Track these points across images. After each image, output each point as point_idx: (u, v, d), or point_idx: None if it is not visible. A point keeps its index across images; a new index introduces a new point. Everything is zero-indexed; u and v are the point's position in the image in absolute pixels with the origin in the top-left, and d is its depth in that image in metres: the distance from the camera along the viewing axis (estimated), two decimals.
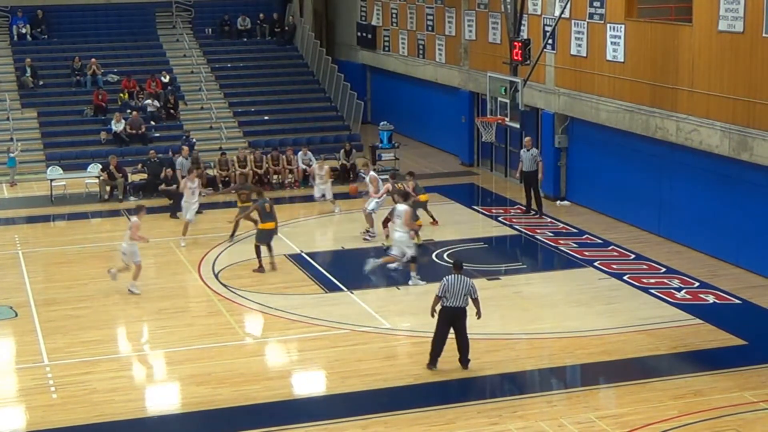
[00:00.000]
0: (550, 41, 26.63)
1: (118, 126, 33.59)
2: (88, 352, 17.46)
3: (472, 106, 32.57)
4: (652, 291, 20.10)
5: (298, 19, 42.33)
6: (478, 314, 16.22)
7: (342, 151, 31.39)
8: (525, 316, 19.08)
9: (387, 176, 25.44)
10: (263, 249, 21.78)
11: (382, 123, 33.20)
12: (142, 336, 18.78)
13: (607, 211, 26.09)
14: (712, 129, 21.37)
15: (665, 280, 20.84)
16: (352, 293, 20.45)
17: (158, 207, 27.32)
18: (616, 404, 15.19)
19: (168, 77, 37.01)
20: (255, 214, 22.48)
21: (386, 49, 38.54)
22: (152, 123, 34.75)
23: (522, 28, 26.98)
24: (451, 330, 16.17)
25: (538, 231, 24.90)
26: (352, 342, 17.77)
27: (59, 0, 40.72)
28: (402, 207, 21.05)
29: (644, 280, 20.80)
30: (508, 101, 26.02)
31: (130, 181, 29.65)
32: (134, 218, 20.77)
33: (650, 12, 24.64)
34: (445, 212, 26.31)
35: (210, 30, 41.71)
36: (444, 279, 16.13)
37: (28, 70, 36.23)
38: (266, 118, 36.59)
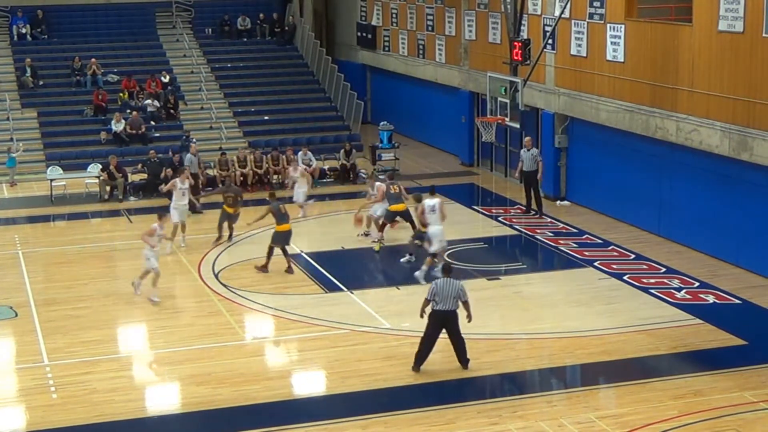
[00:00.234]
0: (550, 41, 26.63)
1: (118, 126, 33.59)
2: (88, 352, 17.47)
3: (472, 106, 32.57)
4: (652, 291, 20.10)
5: (298, 19, 42.33)
6: (469, 317, 16.19)
7: (342, 151, 31.40)
8: (525, 316, 19.08)
9: (384, 176, 25.38)
10: (276, 250, 21.68)
11: (382, 123, 33.21)
12: (142, 336, 18.77)
13: (607, 211, 26.10)
14: (712, 129, 21.37)
15: (665, 280, 20.85)
16: (352, 293, 20.45)
17: (158, 207, 27.24)
18: (616, 404, 15.19)
19: (168, 77, 37.01)
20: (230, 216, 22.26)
21: (386, 49, 38.54)
22: (152, 123, 34.74)
23: (522, 28, 26.98)
24: (445, 332, 16.16)
25: (538, 231, 24.90)
26: (352, 342, 17.77)
27: (59, 0, 40.70)
28: (435, 200, 21.14)
29: (644, 280, 20.80)
30: (508, 101, 26.02)
31: (130, 181, 29.65)
32: (154, 224, 20.34)
33: (650, 12, 24.65)
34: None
35: (210, 30, 41.70)
36: (433, 282, 16.16)
37: (28, 70, 36.23)
38: (266, 118, 36.59)
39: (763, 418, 14.43)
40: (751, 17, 20.05)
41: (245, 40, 41.46)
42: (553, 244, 23.81)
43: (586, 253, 22.85)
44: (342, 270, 22.05)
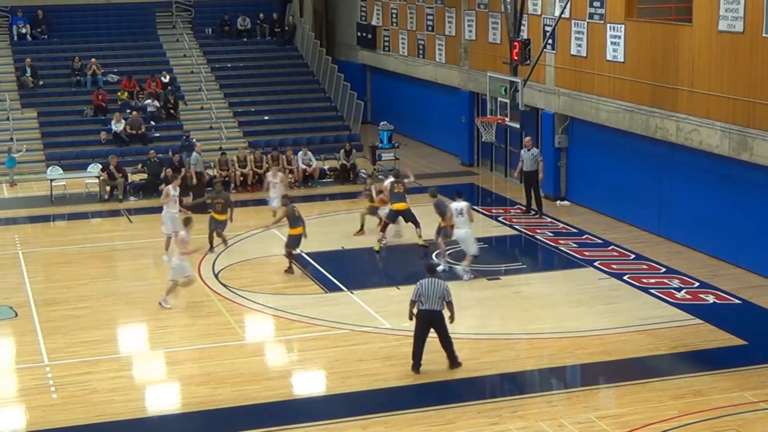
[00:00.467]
0: (550, 41, 26.63)
1: (118, 126, 33.59)
2: (88, 352, 17.46)
3: (472, 106, 32.57)
4: (652, 291, 20.10)
5: (298, 19, 42.33)
6: (451, 318, 16.17)
7: (342, 151, 31.40)
8: (525, 316, 19.08)
9: (390, 176, 25.21)
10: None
11: (382, 123, 33.20)
12: (142, 336, 18.77)
13: (607, 211, 26.09)
14: (712, 129, 21.36)
15: (665, 280, 20.84)
16: (352, 293, 20.45)
17: (158, 207, 27.25)
18: (616, 404, 15.19)
19: (168, 77, 37.01)
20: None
21: (386, 49, 38.54)
22: (152, 123, 34.74)
23: (522, 28, 26.97)
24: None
25: (538, 231, 24.90)
26: (352, 342, 17.77)
27: (59, 0, 40.70)
28: (462, 204, 21.13)
29: (644, 280, 20.80)
30: (508, 101, 26.01)
31: (130, 181, 29.65)
32: (182, 232, 19.71)
33: (650, 12, 24.64)
34: (428, 212, 26.25)
35: (210, 30, 41.69)
36: (418, 283, 16.13)
37: (28, 70, 36.23)
38: (266, 118, 36.59)
39: (763, 418, 14.43)
40: (751, 17, 20.05)
41: (245, 40, 41.45)
42: (553, 244, 23.80)
43: (586, 253, 22.85)
44: (342, 270, 22.05)
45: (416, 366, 16.16)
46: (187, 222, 20.21)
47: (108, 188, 29.18)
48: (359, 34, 40.65)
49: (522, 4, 26.35)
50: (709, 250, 22.39)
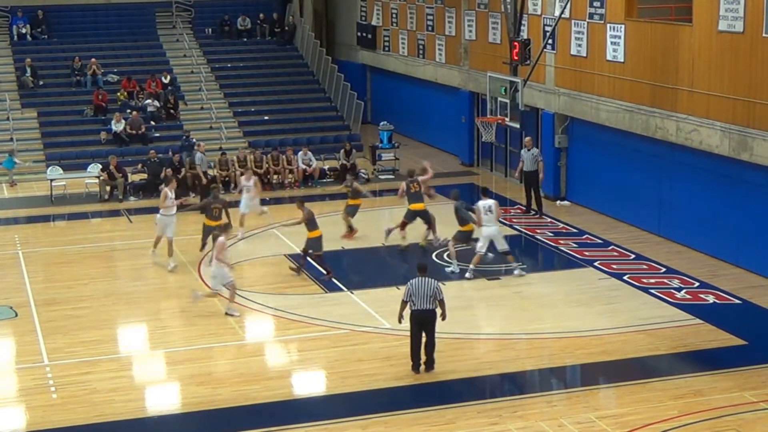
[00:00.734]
0: (550, 41, 26.63)
1: (118, 126, 33.59)
2: (88, 352, 17.46)
3: (472, 106, 32.57)
4: (652, 291, 20.10)
5: (298, 19, 42.33)
6: (443, 316, 16.15)
7: (342, 151, 31.40)
8: (525, 316, 19.08)
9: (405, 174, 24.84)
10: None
11: (382, 123, 33.20)
12: (142, 336, 18.77)
13: (607, 211, 26.09)
14: (712, 129, 21.37)
15: (665, 280, 20.84)
16: (352, 293, 20.45)
17: (158, 208, 27.23)
18: (616, 404, 15.19)
19: (168, 77, 37.00)
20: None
21: (386, 49, 38.54)
22: (152, 123, 34.74)
23: (522, 28, 26.97)
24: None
25: (538, 231, 24.90)
26: (352, 342, 17.77)
27: (59, 0, 40.71)
28: (489, 201, 21.24)
29: (644, 280, 20.80)
30: (508, 101, 26.01)
31: (130, 181, 29.65)
32: (221, 238, 19.42)
33: (650, 12, 24.65)
34: (445, 212, 26.25)
35: (210, 30, 41.69)
36: (409, 283, 16.09)
37: (28, 70, 36.23)
38: (266, 118, 36.59)
39: (763, 418, 14.43)
40: (751, 17, 20.05)
41: (245, 40, 41.45)
42: (553, 244, 23.80)
43: (586, 253, 22.85)
44: (342, 270, 22.05)
45: (416, 366, 16.17)
46: (225, 228, 20.28)
47: (108, 188, 29.18)
48: (359, 34, 40.65)
49: (522, 4, 26.35)
50: (709, 250, 22.39)
